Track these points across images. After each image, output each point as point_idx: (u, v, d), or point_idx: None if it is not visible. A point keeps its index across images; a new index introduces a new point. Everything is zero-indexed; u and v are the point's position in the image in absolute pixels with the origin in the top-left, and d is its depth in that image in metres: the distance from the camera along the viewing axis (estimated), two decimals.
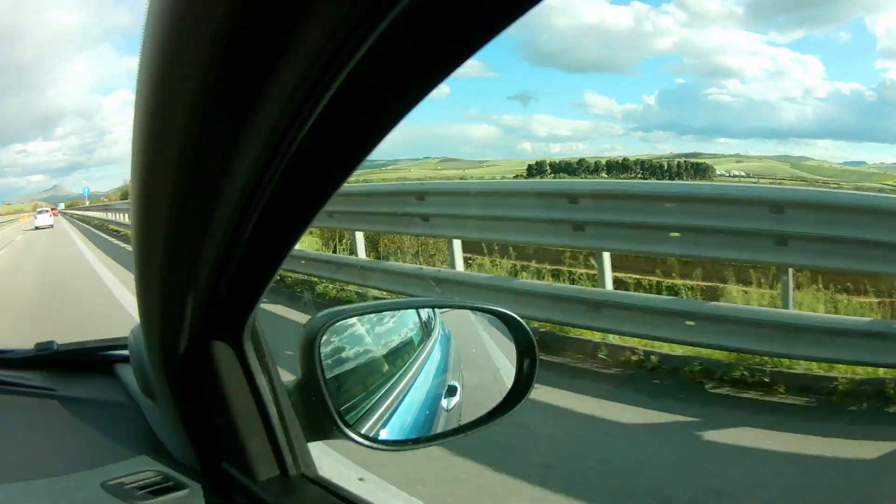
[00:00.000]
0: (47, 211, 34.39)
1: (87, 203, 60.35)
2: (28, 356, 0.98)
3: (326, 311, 0.63)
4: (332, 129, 0.32)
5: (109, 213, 24.06)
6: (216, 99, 0.30)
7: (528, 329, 0.74)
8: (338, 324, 0.63)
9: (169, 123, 0.33)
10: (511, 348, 0.81)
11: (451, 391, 0.77)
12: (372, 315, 0.73)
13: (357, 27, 0.25)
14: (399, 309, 0.80)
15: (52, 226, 29.50)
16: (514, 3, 0.26)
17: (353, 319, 0.67)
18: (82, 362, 0.97)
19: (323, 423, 0.60)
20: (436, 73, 0.29)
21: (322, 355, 0.60)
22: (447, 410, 0.75)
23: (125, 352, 0.88)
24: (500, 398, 0.76)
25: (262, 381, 0.58)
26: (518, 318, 0.73)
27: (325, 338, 0.60)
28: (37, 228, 28.81)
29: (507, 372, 0.84)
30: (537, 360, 0.72)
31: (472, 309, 0.85)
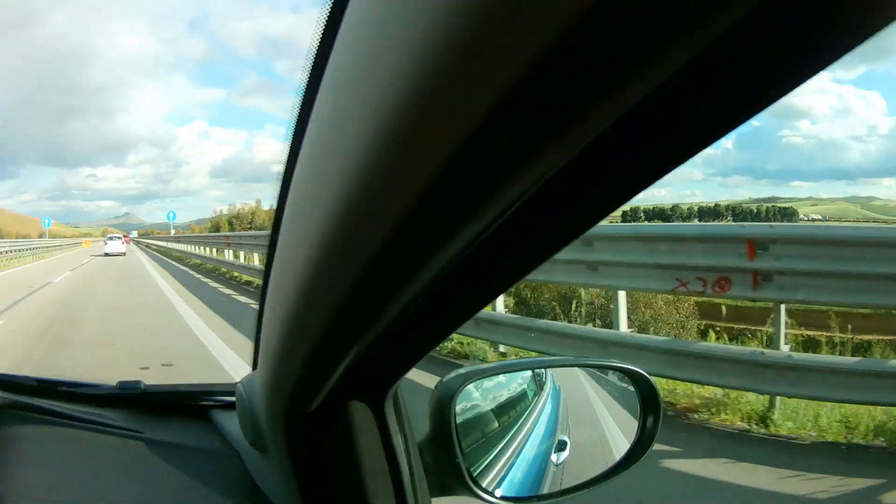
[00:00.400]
0: (119, 238, 32.16)
1: (173, 232, 47.89)
2: (110, 393, 0.93)
3: (461, 370, 0.63)
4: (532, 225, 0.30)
5: (229, 252, 14.15)
6: (443, 195, 0.27)
7: (655, 385, 0.73)
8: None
9: (383, 197, 0.29)
10: (618, 407, 0.81)
11: (561, 446, 0.77)
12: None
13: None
14: (533, 368, 0.80)
15: (124, 253, 28.07)
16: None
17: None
18: (171, 405, 0.93)
19: (451, 480, 0.59)
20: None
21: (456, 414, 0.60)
22: (556, 465, 0.75)
23: (224, 398, 0.87)
24: (610, 454, 0.76)
25: (398, 441, 0.57)
26: (644, 374, 0.73)
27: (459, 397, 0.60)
28: (106, 255, 27.45)
29: (612, 430, 0.84)
30: (661, 416, 0.72)
31: (603, 367, 0.85)
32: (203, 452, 0.81)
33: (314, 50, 0.34)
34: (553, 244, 0.32)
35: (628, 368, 0.74)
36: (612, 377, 0.82)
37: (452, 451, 0.59)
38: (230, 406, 0.84)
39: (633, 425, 0.80)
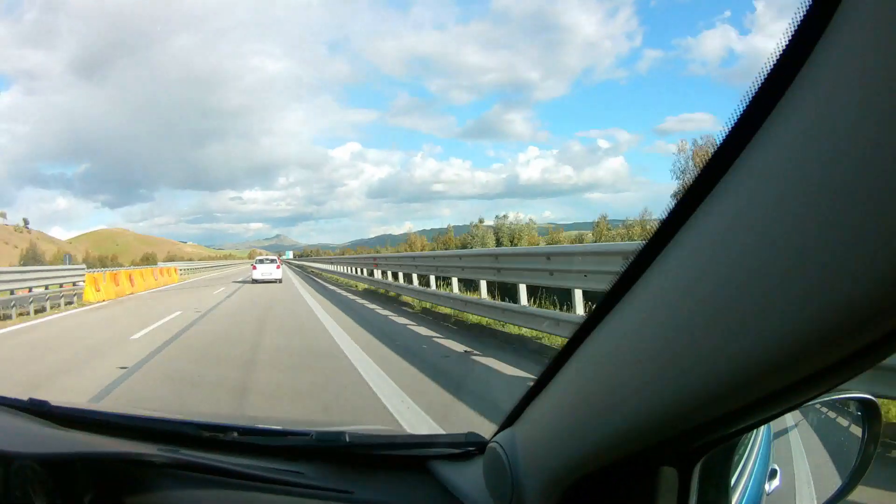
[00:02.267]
0: (273, 260, 23.84)
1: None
2: (306, 445, 0.80)
3: None
4: None
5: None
6: None
7: (881, 413, 0.74)
8: None
9: None
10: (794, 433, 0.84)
11: (773, 474, 0.77)
12: None
13: None
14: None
15: (279, 280, 21.84)
16: None
17: None
18: (379, 459, 0.80)
19: None
20: None
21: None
22: (768, 494, 0.75)
23: (447, 450, 0.78)
24: (813, 482, 0.78)
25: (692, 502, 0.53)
26: (876, 401, 0.75)
27: None
28: (255, 281, 21.43)
29: (801, 456, 0.85)
30: (877, 446, 0.73)
31: (843, 399, 0.83)
32: None
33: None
34: None
35: (864, 397, 0.76)
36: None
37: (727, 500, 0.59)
38: (454, 458, 0.76)
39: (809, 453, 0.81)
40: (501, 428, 0.65)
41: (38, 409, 0.92)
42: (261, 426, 0.87)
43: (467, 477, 0.70)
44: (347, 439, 0.77)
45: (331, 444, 0.77)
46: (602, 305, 0.46)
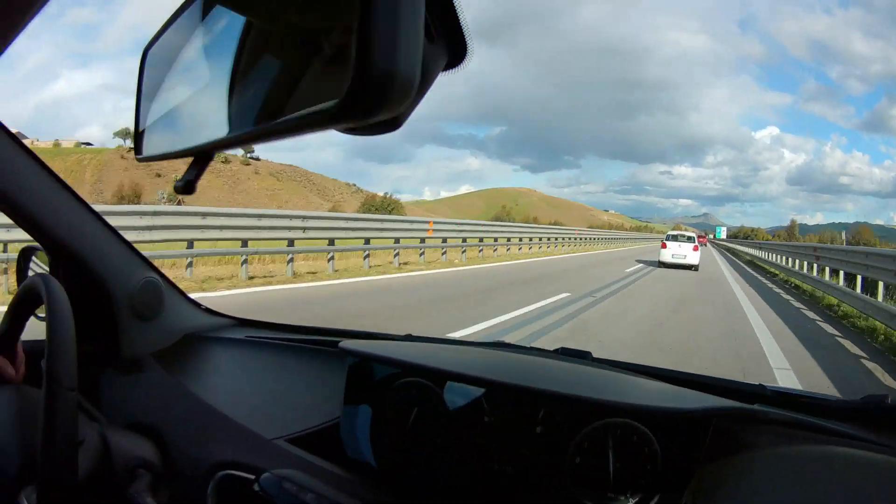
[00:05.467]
0: (691, 238, 18.10)
1: None
2: (846, 407, 0.85)
3: None
4: None
5: None
6: None
7: None
8: None
9: None
10: None
11: None
12: None
13: None
14: None
15: (695, 267, 17.09)
16: None
17: None
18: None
19: None
20: None
21: None
22: None
23: None
24: None
25: None
26: None
27: None
28: (661, 264, 17.27)
29: None
30: None
31: None
32: None
33: None
34: None
35: None
36: None
37: None
38: None
39: None
40: None
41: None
42: (810, 392, 0.92)
43: None
44: (889, 402, 0.81)
45: (876, 407, 0.82)
46: None
